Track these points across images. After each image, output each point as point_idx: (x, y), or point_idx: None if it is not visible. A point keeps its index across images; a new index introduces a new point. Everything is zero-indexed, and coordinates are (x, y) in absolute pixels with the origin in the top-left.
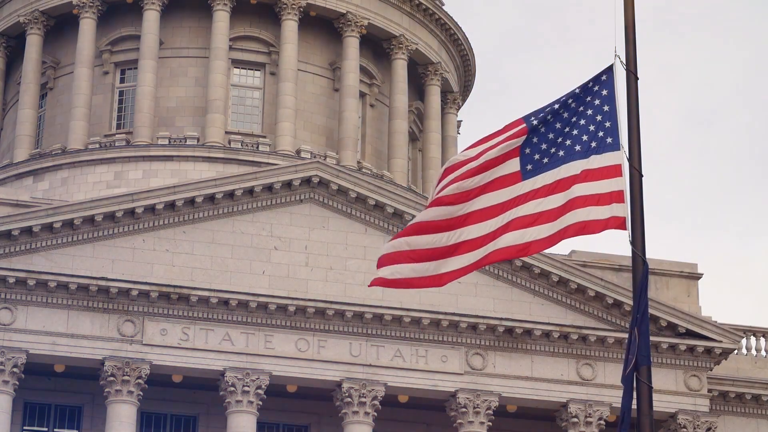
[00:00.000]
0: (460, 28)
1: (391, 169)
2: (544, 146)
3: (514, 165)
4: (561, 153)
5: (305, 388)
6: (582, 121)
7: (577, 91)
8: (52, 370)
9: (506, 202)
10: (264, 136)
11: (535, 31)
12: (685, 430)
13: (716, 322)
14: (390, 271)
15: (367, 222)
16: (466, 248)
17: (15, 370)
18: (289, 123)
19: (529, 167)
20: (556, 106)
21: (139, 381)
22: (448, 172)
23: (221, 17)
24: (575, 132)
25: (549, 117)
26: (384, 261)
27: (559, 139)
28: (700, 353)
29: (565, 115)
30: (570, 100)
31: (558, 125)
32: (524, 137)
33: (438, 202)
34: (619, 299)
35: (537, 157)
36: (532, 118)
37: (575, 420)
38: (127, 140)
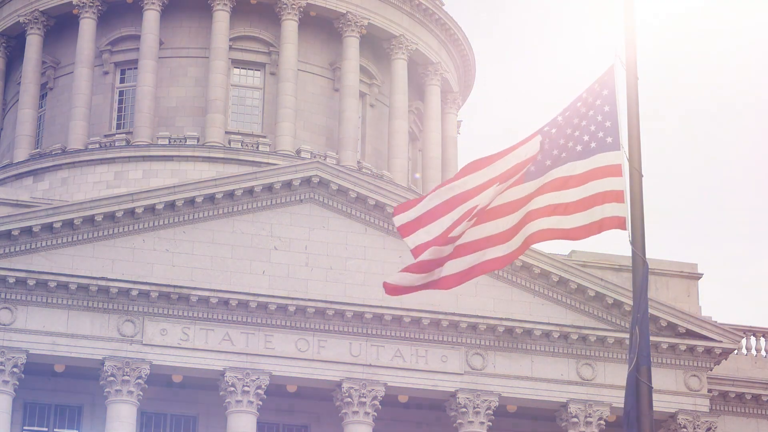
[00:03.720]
0: (460, 28)
1: (391, 169)
2: (546, 147)
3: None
4: (563, 155)
5: (305, 388)
6: (583, 122)
7: (582, 93)
8: (52, 370)
9: (503, 205)
10: (264, 136)
11: (535, 31)
12: (685, 430)
13: (716, 322)
14: (409, 279)
15: (367, 222)
16: (488, 243)
17: (15, 370)
18: (289, 123)
19: (532, 168)
20: (561, 111)
21: (139, 381)
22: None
23: (221, 17)
24: (576, 133)
25: (559, 118)
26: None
27: (561, 141)
28: (700, 353)
29: (568, 114)
30: (576, 103)
31: (562, 125)
32: (538, 147)
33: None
34: (619, 299)
35: (539, 158)
36: (546, 128)
37: (575, 420)
38: (127, 140)
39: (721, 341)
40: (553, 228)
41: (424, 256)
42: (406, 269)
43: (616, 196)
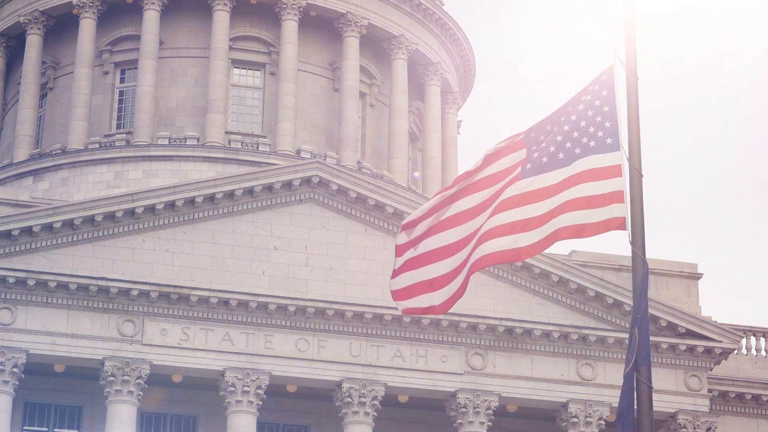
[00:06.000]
0: (460, 28)
1: (391, 169)
2: (543, 145)
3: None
4: (560, 155)
5: (305, 388)
6: (582, 123)
7: (577, 94)
8: (52, 370)
9: (503, 201)
10: (264, 136)
11: (535, 30)
12: (685, 430)
13: (716, 322)
14: (414, 302)
15: (367, 222)
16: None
17: (15, 370)
18: (289, 123)
19: (528, 166)
20: (556, 110)
21: (139, 381)
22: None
23: (221, 17)
24: (575, 134)
25: (550, 120)
26: (401, 294)
27: (559, 138)
28: (700, 353)
29: (564, 115)
30: (569, 105)
31: (557, 125)
32: (525, 149)
33: (441, 227)
34: (619, 299)
35: (536, 155)
36: (532, 134)
37: (575, 420)
38: (127, 140)
39: (721, 341)
40: (547, 232)
41: (415, 275)
42: (403, 294)
43: (616, 197)
